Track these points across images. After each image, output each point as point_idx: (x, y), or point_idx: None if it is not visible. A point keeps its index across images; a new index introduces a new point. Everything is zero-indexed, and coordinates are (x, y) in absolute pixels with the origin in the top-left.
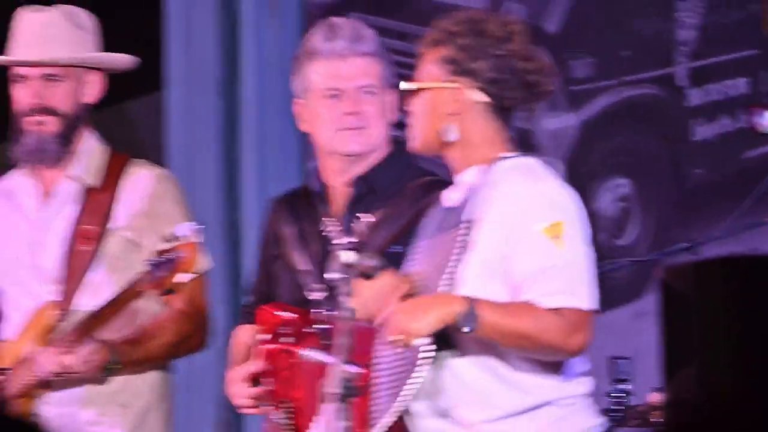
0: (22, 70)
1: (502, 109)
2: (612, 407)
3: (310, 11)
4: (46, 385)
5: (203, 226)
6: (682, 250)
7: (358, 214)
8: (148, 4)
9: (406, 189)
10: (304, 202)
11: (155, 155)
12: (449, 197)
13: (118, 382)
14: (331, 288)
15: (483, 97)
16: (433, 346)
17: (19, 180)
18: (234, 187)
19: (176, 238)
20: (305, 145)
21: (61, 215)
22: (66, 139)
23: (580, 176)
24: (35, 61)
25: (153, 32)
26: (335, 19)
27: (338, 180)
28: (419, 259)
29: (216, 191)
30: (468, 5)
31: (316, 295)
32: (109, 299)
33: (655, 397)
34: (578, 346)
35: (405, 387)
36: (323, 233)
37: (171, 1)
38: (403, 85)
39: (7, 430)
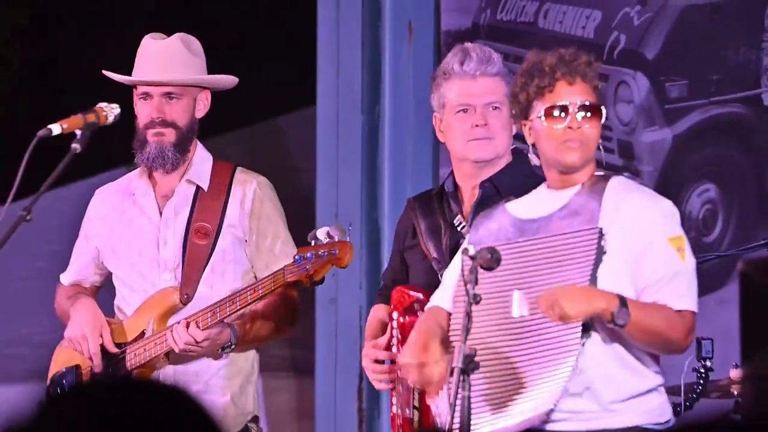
0: (146, 89)
1: None
2: (697, 381)
3: (442, 39)
4: (166, 358)
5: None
6: (760, 246)
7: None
8: (303, 34)
9: (526, 192)
10: (437, 201)
11: (306, 163)
12: (531, 207)
13: (224, 357)
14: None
15: None
16: (580, 333)
17: (138, 183)
18: (374, 191)
19: (330, 236)
20: (436, 154)
21: (180, 214)
22: (181, 149)
23: (673, 182)
24: (158, 81)
25: (307, 57)
26: (468, 45)
27: (468, 183)
28: (526, 257)
29: (359, 194)
30: (578, 36)
31: None
32: (251, 286)
33: (735, 373)
34: (689, 344)
35: (561, 369)
36: (454, 227)
37: (323, 31)
38: (604, 111)
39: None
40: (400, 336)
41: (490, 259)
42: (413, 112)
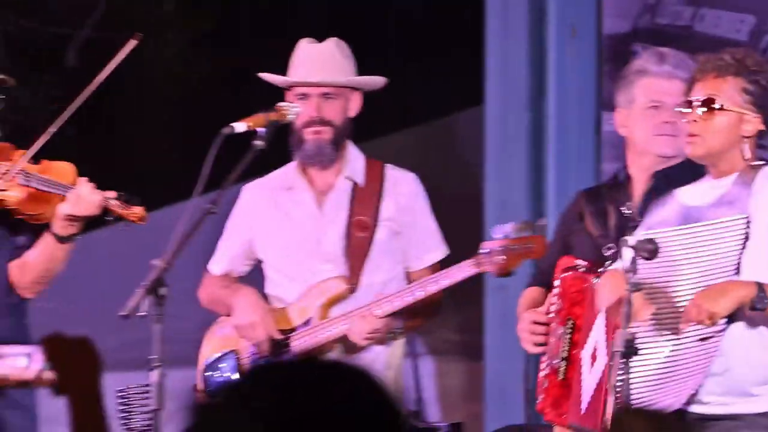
0: (304, 90)
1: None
2: None
3: (603, 40)
4: (334, 344)
5: (513, 220)
6: None
7: (655, 200)
8: (472, 38)
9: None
10: (608, 190)
11: (475, 158)
12: (695, 195)
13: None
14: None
15: (761, 126)
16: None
17: (294, 178)
18: (539, 184)
19: (528, 228)
20: (598, 149)
21: (340, 208)
22: (337, 146)
23: None
24: (319, 82)
25: (476, 58)
26: (663, 49)
27: (642, 174)
28: (680, 243)
29: (525, 189)
30: (733, 39)
31: (608, 252)
32: (433, 277)
33: None
34: None
35: (705, 353)
36: (621, 212)
37: (490, 34)
38: (718, 105)
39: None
40: (562, 289)
41: (650, 250)
42: (576, 110)
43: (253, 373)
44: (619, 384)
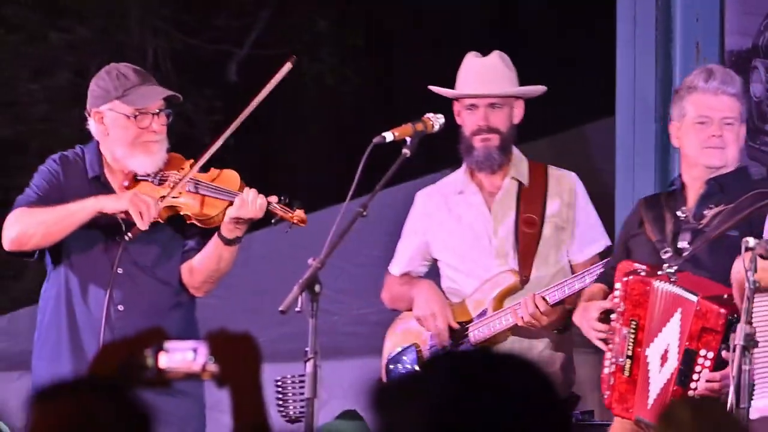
0: (472, 101)
1: None
2: None
3: (726, 57)
4: (508, 333)
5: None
6: None
7: (709, 205)
8: (604, 54)
9: (747, 195)
10: (665, 198)
11: (607, 165)
12: None
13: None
14: (678, 251)
15: None
16: None
17: (465, 183)
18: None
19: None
20: None
21: (508, 207)
22: (505, 151)
23: None
24: (487, 93)
25: (607, 74)
26: (713, 66)
27: (695, 183)
28: None
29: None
30: None
31: (666, 255)
32: (600, 264)
33: None
34: None
35: None
36: (677, 217)
37: (621, 51)
38: None
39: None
40: (624, 291)
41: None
42: None
43: (428, 363)
44: (738, 376)
